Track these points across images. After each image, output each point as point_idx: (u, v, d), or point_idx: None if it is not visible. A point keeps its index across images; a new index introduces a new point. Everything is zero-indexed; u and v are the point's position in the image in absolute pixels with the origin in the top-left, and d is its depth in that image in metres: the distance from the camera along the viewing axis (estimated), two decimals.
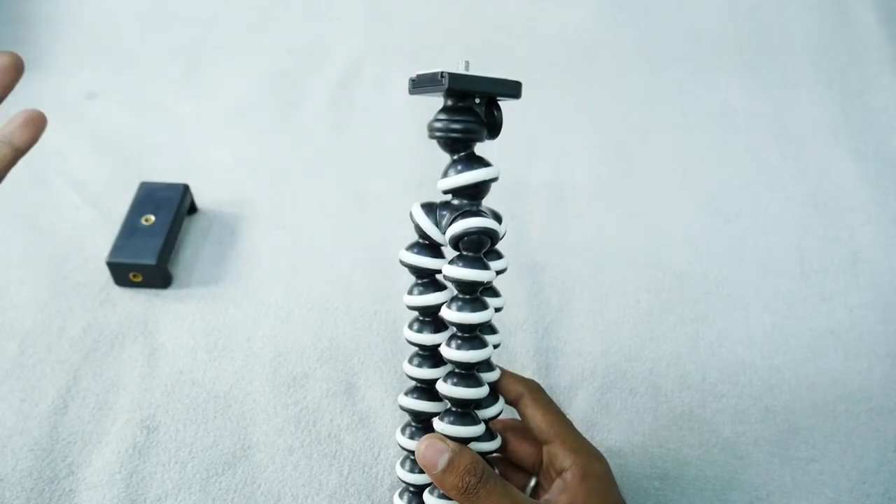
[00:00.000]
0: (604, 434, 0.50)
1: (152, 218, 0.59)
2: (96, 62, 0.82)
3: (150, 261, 0.56)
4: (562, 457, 0.39)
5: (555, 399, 0.42)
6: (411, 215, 0.38)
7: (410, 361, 0.40)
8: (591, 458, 0.39)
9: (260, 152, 0.71)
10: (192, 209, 0.65)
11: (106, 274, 0.59)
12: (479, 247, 0.36)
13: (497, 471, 0.42)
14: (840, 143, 0.72)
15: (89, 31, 0.86)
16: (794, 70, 0.80)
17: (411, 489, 0.41)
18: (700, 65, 0.81)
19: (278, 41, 0.85)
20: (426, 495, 0.39)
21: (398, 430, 0.41)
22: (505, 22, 0.87)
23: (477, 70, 0.35)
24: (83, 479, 0.47)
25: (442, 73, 0.33)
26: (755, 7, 0.87)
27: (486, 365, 0.40)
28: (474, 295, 0.37)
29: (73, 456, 0.48)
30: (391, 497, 0.45)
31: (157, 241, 0.58)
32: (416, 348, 0.40)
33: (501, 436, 0.42)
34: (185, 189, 0.63)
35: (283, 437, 0.49)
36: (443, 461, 0.36)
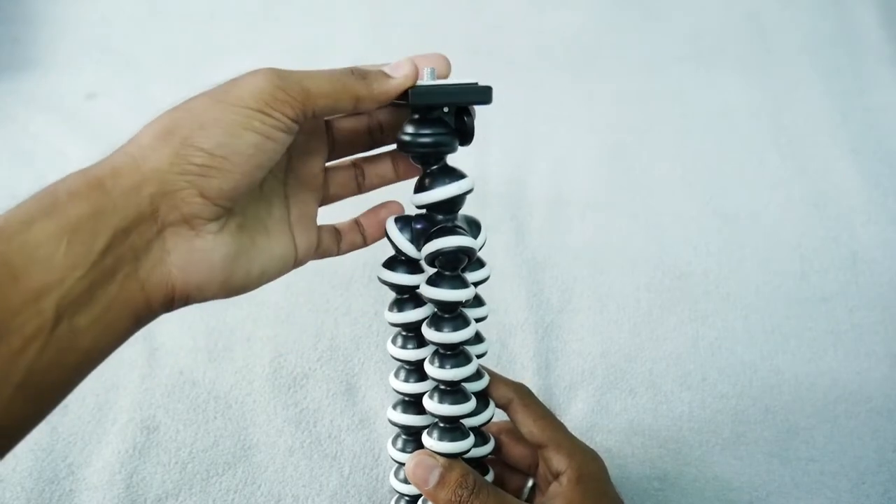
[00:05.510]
0: (603, 434, 0.50)
1: None
2: (96, 62, 0.82)
3: None
4: (556, 460, 0.38)
5: (554, 400, 0.42)
6: (385, 232, 0.37)
7: (396, 375, 0.39)
8: (585, 460, 0.39)
9: None
10: None
11: None
12: (456, 265, 0.34)
13: (494, 473, 0.42)
14: (840, 142, 0.71)
15: (89, 31, 0.86)
16: (794, 70, 0.79)
17: (406, 498, 0.41)
18: (700, 65, 0.81)
19: (278, 41, 0.85)
20: None
21: (389, 442, 0.40)
22: (505, 22, 0.87)
23: (471, 72, 0.34)
24: (83, 480, 0.47)
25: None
26: (755, 7, 0.87)
27: (474, 374, 0.40)
28: (454, 313, 0.36)
29: (73, 456, 0.48)
30: (390, 500, 0.45)
31: None
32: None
33: (496, 438, 0.42)
34: None
35: (284, 437, 0.49)
36: (433, 477, 0.35)
